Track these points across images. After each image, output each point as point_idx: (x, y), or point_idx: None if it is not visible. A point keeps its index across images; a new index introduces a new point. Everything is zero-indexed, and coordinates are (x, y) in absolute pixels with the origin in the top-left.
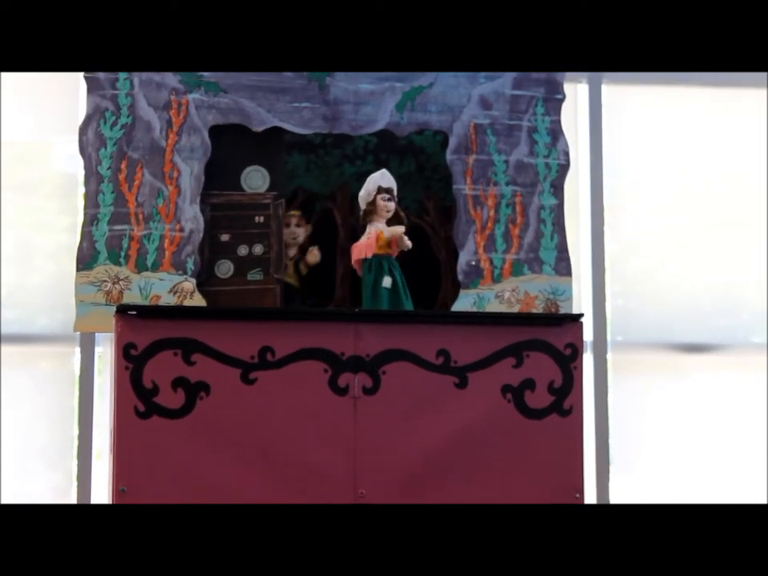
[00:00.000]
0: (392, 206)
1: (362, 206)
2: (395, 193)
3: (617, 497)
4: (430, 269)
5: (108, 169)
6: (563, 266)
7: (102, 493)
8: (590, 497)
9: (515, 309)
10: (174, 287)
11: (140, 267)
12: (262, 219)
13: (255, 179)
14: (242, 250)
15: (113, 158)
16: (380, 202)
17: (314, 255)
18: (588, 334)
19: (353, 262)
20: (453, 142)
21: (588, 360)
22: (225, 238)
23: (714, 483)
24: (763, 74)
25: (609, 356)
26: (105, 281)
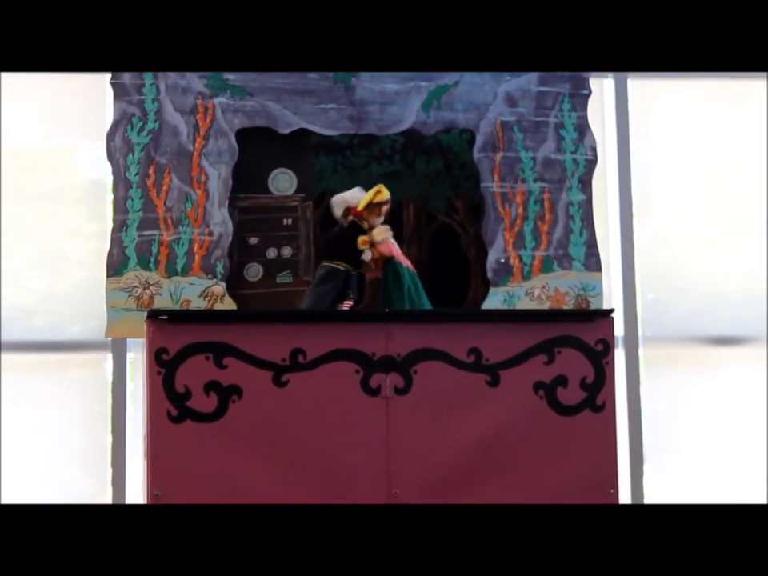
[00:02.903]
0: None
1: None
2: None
3: (651, 492)
4: (459, 267)
5: (136, 174)
6: (593, 261)
7: (136, 498)
8: (624, 492)
9: (545, 305)
10: (204, 291)
11: (170, 272)
12: (290, 221)
13: (283, 182)
14: (271, 253)
15: (141, 163)
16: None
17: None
18: (619, 329)
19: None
20: (480, 139)
21: (620, 355)
22: (253, 241)
23: (748, 477)
24: None
25: (640, 350)
26: (135, 286)
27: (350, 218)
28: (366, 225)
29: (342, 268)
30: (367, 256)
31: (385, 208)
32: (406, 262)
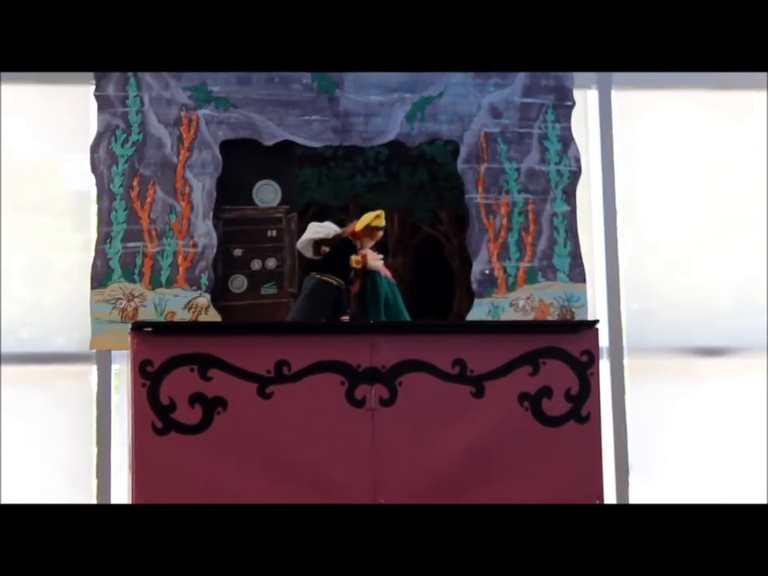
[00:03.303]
0: None
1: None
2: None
3: (637, 502)
4: (443, 278)
5: (120, 186)
6: (577, 272)
7: None
8: (610, 502)
9: (530, 316)
10: (188, 303)
11: (154, 284)
12: (274, 233)
13: (267, 193)
14: (256, 265)
15: (125, 175)
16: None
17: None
18: (604, 340)
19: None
20: (464, 151)
21: (605, 366)
22: (238, 252)
23: (734, 487)
24: None
25: (625, 361)
26: (120, 298)
27: (324, 249)
28: (358, 245)
29: (335, 283)
30: (352, 276)
31: (379, 234)
32: (385, 272)
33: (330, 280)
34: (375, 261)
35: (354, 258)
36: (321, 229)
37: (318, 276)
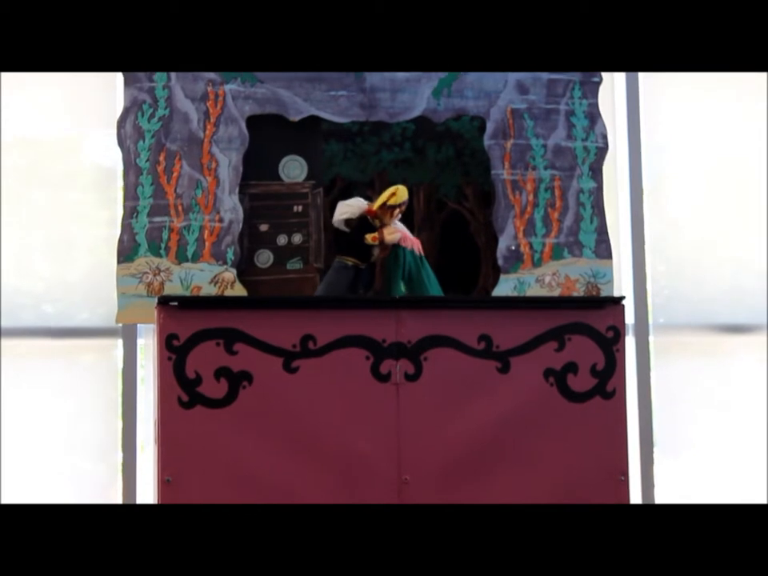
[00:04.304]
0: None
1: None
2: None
3: (661, 479)
4: (469, 254)
5: (147, 161)
6: (603, 248)
7: (147, 483)
8: (635, 480)
9: (556, 293)
10: (214, 278)
11: (180, 258)
12: (300, 208)
13: (293, 168)
14: (281, 240)
15: (151, 150)
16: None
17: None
18: (629, 317)
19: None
20: (490, 127)
21: (630, 343)
22: (264, 227)
23: (758, 465)
24: None
25: (651, 338)
26: (146, 272)
27: (354, 222)
28: (377, 223)
29: (350, 263)
30: (376, 251)
31: (397, 211)
32: (411, 245)
33: (346, 261)
34: (391, 235)
35: (368, 236)
36: (347, 208)
37: (338, 258)
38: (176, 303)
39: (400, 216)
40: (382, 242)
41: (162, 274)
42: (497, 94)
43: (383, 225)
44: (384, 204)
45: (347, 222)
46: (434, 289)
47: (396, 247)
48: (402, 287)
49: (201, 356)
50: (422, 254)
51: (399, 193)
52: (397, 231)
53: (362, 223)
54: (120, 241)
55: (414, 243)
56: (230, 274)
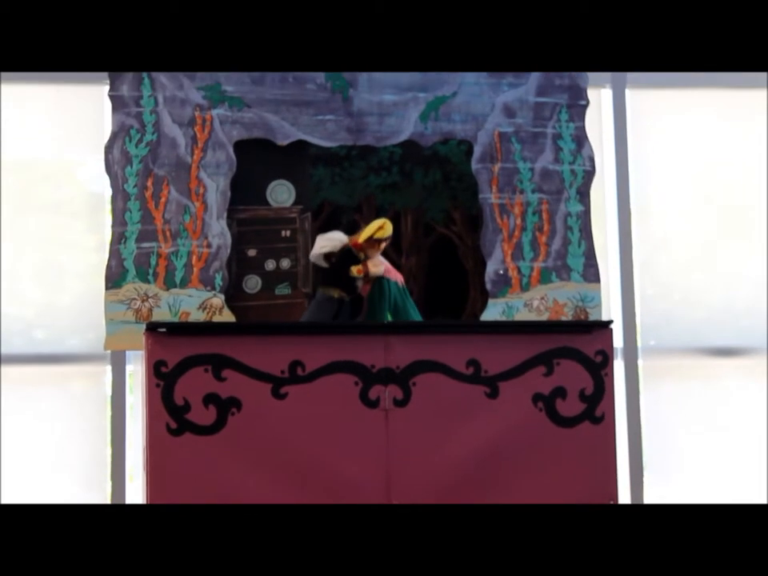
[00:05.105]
0: None
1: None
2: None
3: (651, 503)
4: (457, 278)
5: (134, 186)
6: (591, 272)
7: None
8: (625, 503)
9: (544, 317)
10: (202, 303)
11: (168, 284)
12: (288, 233)
13: (281, 193)
14: (270, 265)
15: (139, 175)
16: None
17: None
18: (618, 341)
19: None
20: (477, 150)
21: (619, 366)
22: (252, 252)
23: (749, 489)
24: None
25: (640, 362)
26: (134, 299)
27: (333, 260)
28: (362, 256)
29: (336, 296)
30: (360, 284)
31: (383, 245)
32: (395, 277)
33: (330, 292)
34: (376, 267)
35: (354, 268)
36: (327, 242)
37: (321, 289)
38: (164, 329)
39: (380, 252)
40: (366, 274)
41: (150, 300)
42: (484, 117)
43: (368, 258)
44: (371, 237)
45: (327, 255)
46: (417, 319)
47: (380, 279)
48: (389, 317)
49: (189, 382)
50: (404, 286)
51: (386, 227)
52: (381, 264)
53: (345, 256)
54: (108, 266)
55: (397, 276)
56: (219, 299)
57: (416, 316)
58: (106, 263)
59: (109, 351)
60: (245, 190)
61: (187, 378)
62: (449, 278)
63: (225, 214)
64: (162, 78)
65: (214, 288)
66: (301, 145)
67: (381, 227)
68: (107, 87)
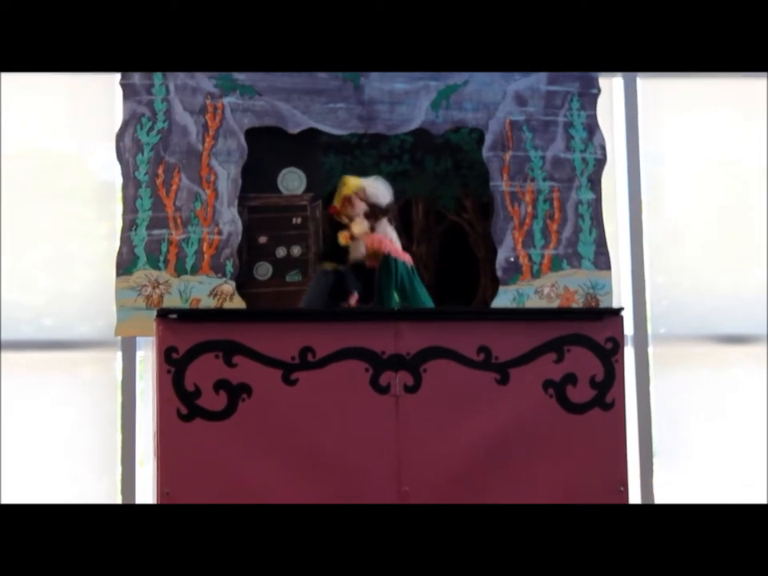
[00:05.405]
0: None
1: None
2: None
3: (661, 490)
4: (468, 266)
5: (145, 174)
6: (602, 260)
7: (147, 496)
8: (634, 490)
9: (555, 304)
10: (213, 290)
11: (179, 271)
12: (299, 221)
13: (292, 181)
14: (280, 252)
15: (150, 163)
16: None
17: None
18: (628, 328)
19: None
20: (489, 139)
21: (629, 353)
22: (263, 240)
23: (758, 475)
24: None
25: (650, 349)
26: (145, 285)
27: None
28: (345, 220)
29: (329, 268)
30: (361, 251)
31: (358, 200)
32: (402, 257)
33: (325, 266)
34: (358, 227)
35: (340, 234)
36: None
37: (319, 266)
38: (175, 316)
39: (365, 207)
40: (353, 237)
41: (161, 286)
42: (495, 105)
43: (351, 221)
44: (342, 198)
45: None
46: (427, 301)
47: (387, 257)
48: (396, 297)
49: (200, 368)
50: (413, 266)
51: (348, 182)
52: (364, 222)
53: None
54: (119, 253)
55: (405, 256)
56: (229, 286)
57: (425, 297)
58: (117, 250)
59: (119, 337)
60: (256, 177)
61: (198, 364)
62: (460, 265)
63: (236, 202)
64: None
65: (224, 275)
66: (312, 133)
67: (343, 183)
68: (119, 75)
